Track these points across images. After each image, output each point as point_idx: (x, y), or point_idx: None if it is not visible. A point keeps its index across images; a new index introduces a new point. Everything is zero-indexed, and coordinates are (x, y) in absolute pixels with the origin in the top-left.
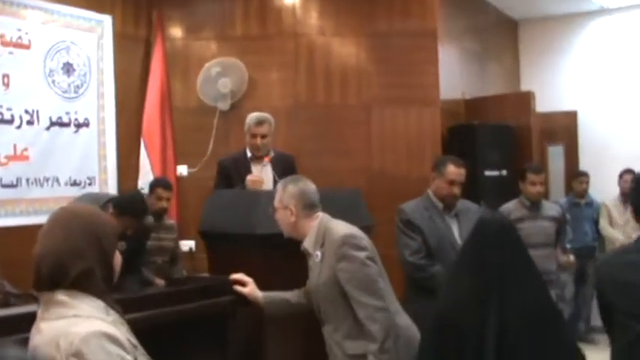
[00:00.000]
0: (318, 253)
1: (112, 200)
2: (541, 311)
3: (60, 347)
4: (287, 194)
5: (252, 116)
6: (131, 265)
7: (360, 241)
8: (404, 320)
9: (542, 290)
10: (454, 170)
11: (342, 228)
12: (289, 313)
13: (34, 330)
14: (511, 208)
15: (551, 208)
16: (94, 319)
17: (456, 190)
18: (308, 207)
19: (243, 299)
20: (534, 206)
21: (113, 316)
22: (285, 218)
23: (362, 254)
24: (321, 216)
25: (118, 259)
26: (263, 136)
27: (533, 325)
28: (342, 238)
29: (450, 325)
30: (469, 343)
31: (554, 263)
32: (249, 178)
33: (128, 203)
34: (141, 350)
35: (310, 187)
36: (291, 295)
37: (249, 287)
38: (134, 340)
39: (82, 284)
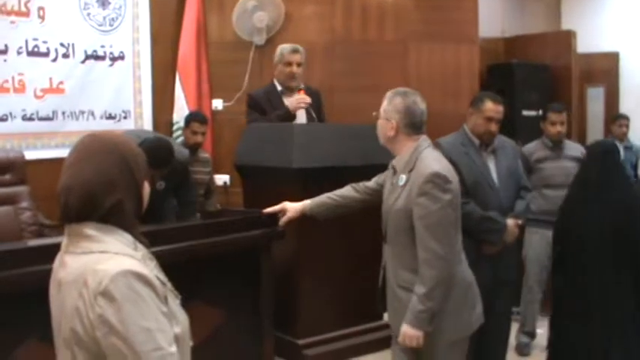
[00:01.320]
0: (404, 176)
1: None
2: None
3: (88, 285)
4: (392, 107)
5: (285, 46)
6: (182, 200)
7: (447, 183)
8: (464, 269)
9: (632, 198)
10: (492, 107)
11: (435, 163)
12: (343, 213)
13: (57, 262)
14: (533, 148)
15: (573, 149)
16: (123, 256)
17: (494, 127)
18: (410, 126)
19: (280, 234)
20: (556, 146)
21: (142, 250)
22: (384, 129)
23: (445, 197)
24: (421, 140)
25: (146, 190)
26: (298, 65)
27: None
28: (430, 175)
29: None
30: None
31: None
32: (295, 97)
33: (150, 151)
34: (169, 287)
35: (420, 106)
36: (340, 197)
37: (289, 211)
38: (163, 277)
39: (112, 217)
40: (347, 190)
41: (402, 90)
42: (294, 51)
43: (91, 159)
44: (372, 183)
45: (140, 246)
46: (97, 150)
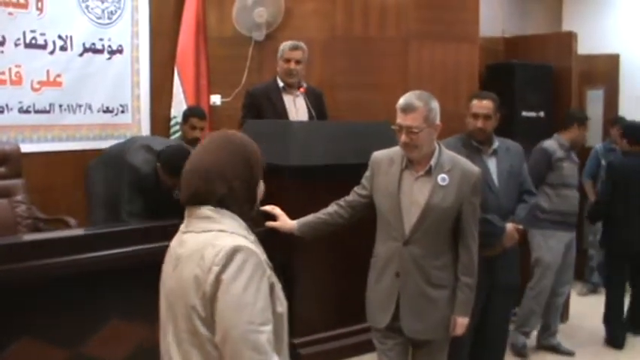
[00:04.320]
0: (446, 177)
1: (160, 155)
2: None
3: (204, 258)
4: (434, 111)
5: (287, 42)
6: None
7: None
8: None
9: None
10: (476, 103)
11: (469, 162)
12: (330, 233)
13: (176, 242)
14: (553, 146)
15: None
16: (238, 236)
17: (480, 123)
18: None
19: (274, 230)
20: (571, 149)
21: (253, 236)
22: (431, 136)
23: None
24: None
25: (261, 187)
26: (297, 62)
27: None
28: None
29: None
30: None
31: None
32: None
33: (172, 159)
34: (274, 274)
35: None
36: (327, 216)
37: (280, 220)
38: (269, 263)
39: (227, 203)
40: (332, 208)
41: (425, 93)
42: (294, 48)
43: (213, 150)
44: (353, 196)
45: (252, 233)
46: (219, 143)
